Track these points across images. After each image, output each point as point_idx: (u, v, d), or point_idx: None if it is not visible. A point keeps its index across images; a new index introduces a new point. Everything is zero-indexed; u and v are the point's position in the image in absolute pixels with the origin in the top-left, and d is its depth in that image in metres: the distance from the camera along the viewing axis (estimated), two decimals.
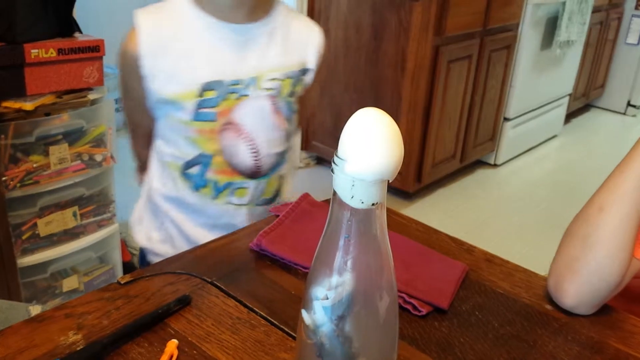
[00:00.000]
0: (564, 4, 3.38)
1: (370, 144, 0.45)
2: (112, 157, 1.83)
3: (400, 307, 0.78)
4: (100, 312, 0.73)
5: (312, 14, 3.03)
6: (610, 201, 0.78)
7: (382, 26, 2.77)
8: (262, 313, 0.76)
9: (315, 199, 1.04)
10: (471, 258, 0.93)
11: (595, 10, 3.86)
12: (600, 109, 4.82)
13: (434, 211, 2.96)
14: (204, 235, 1.09)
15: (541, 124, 3.83)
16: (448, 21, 2.68)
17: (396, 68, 2.77)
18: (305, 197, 1.03)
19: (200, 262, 0.87)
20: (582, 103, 4.48)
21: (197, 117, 1.01)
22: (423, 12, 2.61)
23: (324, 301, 0.49)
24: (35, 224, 1.69)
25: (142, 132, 1.14)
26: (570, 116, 4.35)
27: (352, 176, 0.45)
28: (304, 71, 1.10)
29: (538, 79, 3.56)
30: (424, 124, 2.84)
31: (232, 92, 1.01)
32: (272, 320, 0.75)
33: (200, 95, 1.00)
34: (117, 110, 1.72)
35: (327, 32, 2.99)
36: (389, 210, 1.03)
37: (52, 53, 1.59)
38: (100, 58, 1.71)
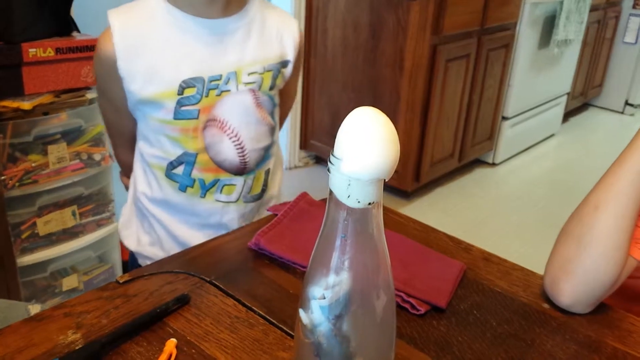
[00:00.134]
0: (561, 2, 3.38)
1: (366, 143, 0.45)
2: (110, 156, 1.83)
3: (399, 306, 0.78)
4: (99, 311, 0.74)
5: (309, 13, 3.03)
6: (605, 200, 0.78)
7: (380, 25, 2.77)
8: (260, 312, 0.76)
9: (314, 198, 1.04)
10: (469, 257, 0.93)
11: (593, 9, 3.86)
12: (598, 107, 4.83)
13: (433, 210, 2.96)
14: (193, 236, 1.09)
15: (539, 123, 3.83)
16: (446, 20, 2.68)
17: (394, 67, 2.78)
18: (304, 196, 1.03)
19: (198, 261, 0.87)
20: (580, 102, 4.48)
21: (179, 115, 1.00)
22: (421, 11, 2.61)
23: (321, 300, 0.49)
24: (34, 223, 1.69)
25: (122, 136, 1.13)
26: (568, 115, 4.35)
27: (348, 175, 0.45)
28: (283, 63, 1.09)
29: (536, 78, 3.56)
30: (422, 123, 2.84)
31: (213, 88, 1.01)
32: (271, 319, 0.75)
33: (180, 93, 0.99)
34: None
35: (324, 31, 3.01)
36: (387, 209, 1.04)
37: (50, 52, 1.59)
38: None
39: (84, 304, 0.75)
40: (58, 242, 1.77)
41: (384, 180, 0.46)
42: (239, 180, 1.08)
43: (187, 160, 1.04)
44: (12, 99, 1.57)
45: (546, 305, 0.82)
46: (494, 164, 3.55)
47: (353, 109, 0.46)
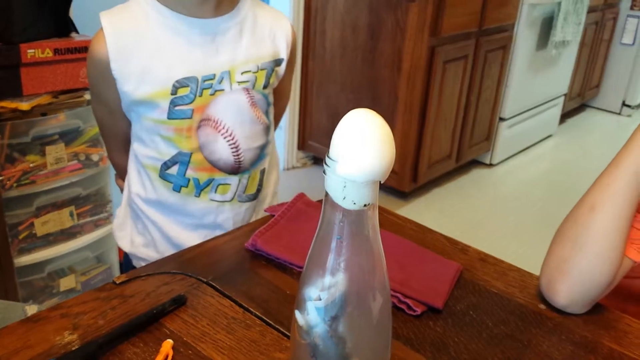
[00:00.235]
0: (559, 4, 3.39)
1: (362, 145, 0.45)
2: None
3: (395, 306, 0.79)
4: (95, 312, 0.74)
5: (308, 13, 3.03)
6: (601, 200, 0.78)
7: (378, 26, 2.78)
8: (257, 313, 0.76)
9: (312, 198, 1.04)
10: (465, 257, 0.94)
11: (591, 10, 3.87)
12: (595, 109, 4.83)
13: (430, 211, 2.96)
14: (187, 237, 1.09)
15: (537, 124, 3.84)
16: (444, 21, 2.68)
17: (392, 68, 2.78)
18: (301, 197, 1.03)
19: (195, 262, 0.87)
20: (577, 103, 4.49)
21: (173, 115, 1.00)
22: (419, 12, 2.61)
23: (317, 302, 0.50)
24: (32, 224, 1.69)
25: (117, 138, 1.13)
26: (565, 116, 4.36)
27: (344, 177, 0.45)
28: (277, 62, 1.10)
29: (533, 79, 3.57)
30: (420, 124, 2.85)
31: (207, 88, 1.01)
32: (267, 320, 0.75)
33: (174, 93, 0.99)
34: None
35: (323, 32, 3.02)
36: (383, 210, 1.04)
37: (48, 53, 1.59)
38: None
39: (80, 304, 0.75)
40: (56, 243, 1.77)
41: (380, 181, 0.47)
42: (233, 180, 1.08)
43: (181, 160, 1.04)
44: (10, 99, 1.57)
45: (542, 306, 0.82)
46: (491, 165, 3.55)
47: (351, 110, 0.47)
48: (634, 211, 0.78)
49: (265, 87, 1.07)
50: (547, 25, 3.45)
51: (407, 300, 0.79)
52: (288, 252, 0.88)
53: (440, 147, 3.03)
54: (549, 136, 4.08)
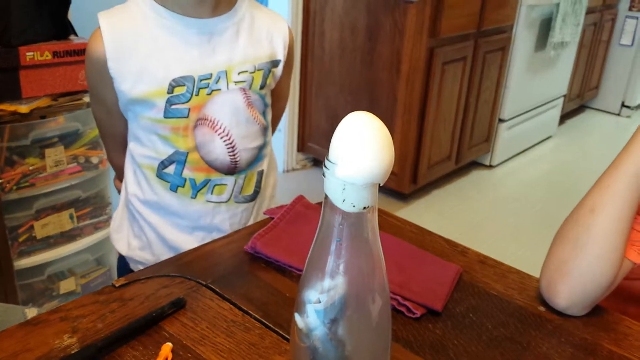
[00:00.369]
0: (557, 5, 3.39)
1: (361, 147, 0.45)
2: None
3: (394, 309, 0.79)
4: (95, 315, 0.74)
5: (307, 15, 3.03)
6: (601, 202, 0.78)
7: (377, 28, 2.78)
8: (256, 316, 0.76)
9: (311, 200, 1.04)
10: (465, 260, 0.93)
11: (589, 11, 3.87)
12: (594, 110, 4.83)
13: (430, 212, 2.96)
14: (183, 239, 1.09)
15: (536, 125, 3.84)
16: (442, 23, 2.69)
17: (391, 70, 2.78)
18: (300, 199, 1.03)
19: (194, 265, 0.87)
20: (576, 104, 4.49)
21: (169, 114, 1.01)
22: (417, 14, 2.62)
23: (317, 305, 0.50)
24: (31, 227, 1.69)
25: (115, 139, 1.13)
26: (564, 117, 4.36)
27: (343, 180, 0.45)
28: (274, 63, 1.10)
29: (532, 80, 3.57)
30: (419, 126, 2.85)
31: (203, 87, 1.01)
32: (267, 323, 0.75)
33: (170, 91, 1.00)
34: None
35: (322, 34, 3.02)
36: (383, 212, 1.04)
37: (47, 56, 1.59)
38: None
39: (79, 308, 0.75)
40: (55, 245, 1.77)
41: (379, 184, 0.47)
42: (229, 180, 1.08)
43: (178, 159, 1.04)
44: (9, 102, 1.57)
45: (542, 308, 0.82)
46: (490, 166, 3.55)
47: (350, 112, 0.47)
48: (634, 213, 0.78)
49: (262, 87, 1.07)
50: (546, 27, 3.46)
51: (407, 303, 0.79)
52: (287, 255, 0.88)
53: (439, 148, 3.03)
54: (549, 137, 4.08)
